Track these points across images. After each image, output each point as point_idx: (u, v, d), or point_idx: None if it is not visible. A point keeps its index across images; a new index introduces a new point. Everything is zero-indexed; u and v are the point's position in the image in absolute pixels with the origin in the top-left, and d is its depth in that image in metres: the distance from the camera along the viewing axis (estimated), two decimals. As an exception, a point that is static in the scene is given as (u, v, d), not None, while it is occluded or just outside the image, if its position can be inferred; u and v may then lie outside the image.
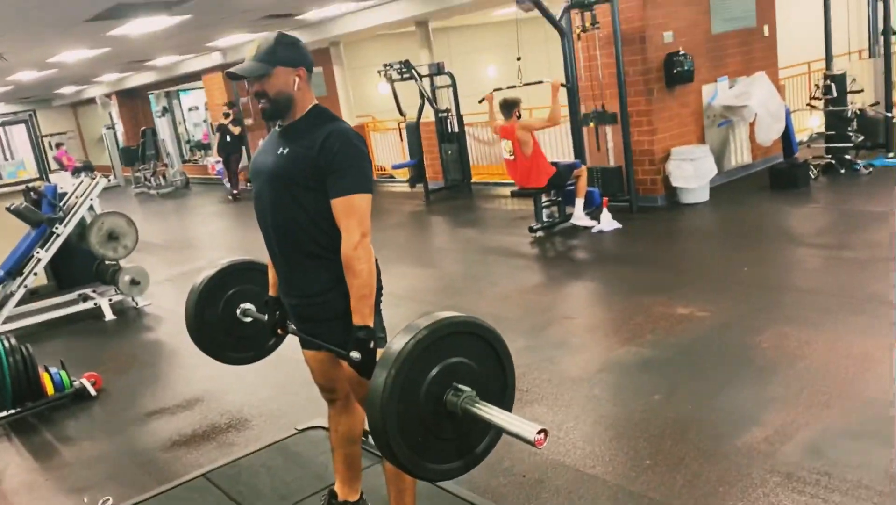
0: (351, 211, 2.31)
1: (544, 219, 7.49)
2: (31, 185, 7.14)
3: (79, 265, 7.17)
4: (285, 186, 2.41)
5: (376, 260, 2.52)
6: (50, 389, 4.70)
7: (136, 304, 6.85)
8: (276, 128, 2.51)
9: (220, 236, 10.60)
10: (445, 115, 10.22)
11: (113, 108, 19.68)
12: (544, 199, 7.53)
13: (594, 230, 7.09)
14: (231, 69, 2.39)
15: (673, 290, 5.13)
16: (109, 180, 19.02)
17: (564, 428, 3.50)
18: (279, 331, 2.76)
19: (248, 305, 2.97)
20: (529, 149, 6.94)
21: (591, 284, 5.85)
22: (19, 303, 6.41)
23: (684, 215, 7.28)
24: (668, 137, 7.60)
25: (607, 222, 7.12)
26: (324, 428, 3.71)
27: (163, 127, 16.90)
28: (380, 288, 2.56)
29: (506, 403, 2.22)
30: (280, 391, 4.43)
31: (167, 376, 5.14)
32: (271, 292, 2.70)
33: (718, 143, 8.07)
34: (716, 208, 7.32)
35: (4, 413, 4.54)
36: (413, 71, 9.79)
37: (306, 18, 10.25)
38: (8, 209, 6.49)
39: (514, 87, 7.46)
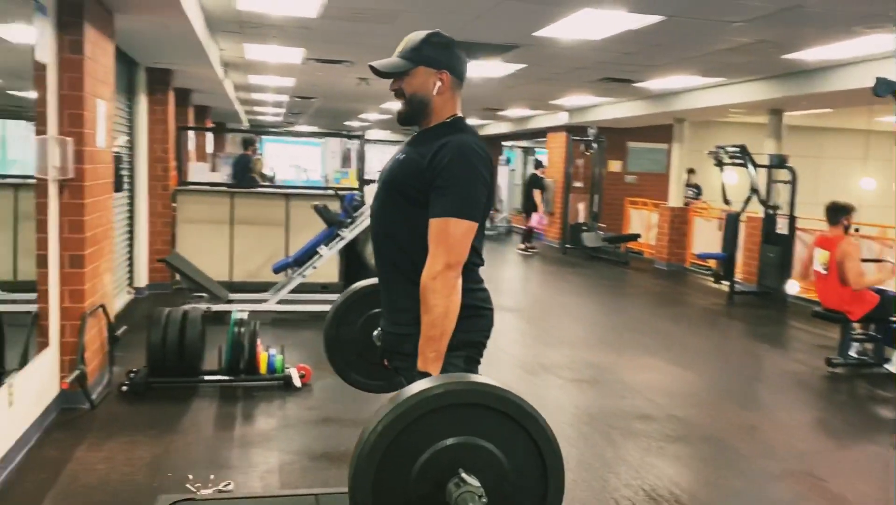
0: (442, 236, 1.96)
1: (852, 354, 6.10)
2: (340, 191, 7.80)
3: (369, 272, 7.66)
4: (391, 195, 2.13)
5: (489, 301, 2.13)
6: (263, 368, 4.94)
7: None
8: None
9: (501, 282, 10.63)
10: (774, 212, 9.01)
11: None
12: (857, 330, 6.14)
13: (914, 385, 5.56)
14: (374, 62, 2.18)
15: None
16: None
17: None
18: (384, 363, 2.43)
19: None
20: (850, 274, 5.69)
21: (876, 452, 4.50)
22: (305, 291, 7.02)
23: None
24: None
25: (936, 380, 5.55)
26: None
27: (502, 175, 17.71)
28: (488, 335, 2.14)
29: None
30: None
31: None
32: None
33: None
34: None
35: (218, 377, 4.88)
36: (747, 158, 8.82)
37: (647, 87, 9.87)
38: (313, 206, 7.16)
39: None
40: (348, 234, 6.96)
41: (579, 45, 6.94)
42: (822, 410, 5.19)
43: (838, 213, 5.86)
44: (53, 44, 4.05)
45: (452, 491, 1.55)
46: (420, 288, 1.96)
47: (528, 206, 14.44)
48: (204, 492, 3.32)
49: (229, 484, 3.41)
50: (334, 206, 7.34)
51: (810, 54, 6.87)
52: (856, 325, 6.03)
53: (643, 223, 13.45)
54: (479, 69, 8.80)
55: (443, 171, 1.98)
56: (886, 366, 5.82)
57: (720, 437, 4.40)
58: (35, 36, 3.82)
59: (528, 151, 20.54)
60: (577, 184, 14.18)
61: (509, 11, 5.68)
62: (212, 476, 3.47)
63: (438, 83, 2.11)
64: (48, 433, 3.97)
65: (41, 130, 4.02)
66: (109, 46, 4.85)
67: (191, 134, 11.65)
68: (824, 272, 5.89)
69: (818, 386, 5.65)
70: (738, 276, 9.86)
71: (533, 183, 14.54)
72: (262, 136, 20.61)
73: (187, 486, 3.37)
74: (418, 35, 2.13)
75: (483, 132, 19.45)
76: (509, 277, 11.24)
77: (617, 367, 5.87)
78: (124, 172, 5.74)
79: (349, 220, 7.02)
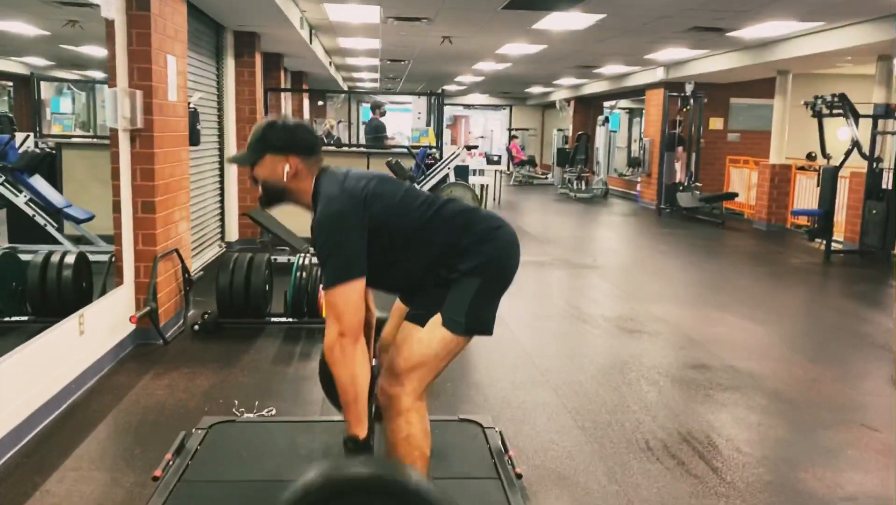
0: (330, 307, 2.07)
1: (947, 312, 5.69)
2: (414, 149, 7.91)
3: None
4: None
5: (493, 227, 2.32)
6: (324, 312, 5.15)
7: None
8: None
9: (586, 240, 10.45)
10: (878, 167, 8.42)
11: (569, 112, 20.92)
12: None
13: None
14: (230, 156, 2.35)
15: None
16: (546, 177, 20.47)
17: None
18: None
19: None
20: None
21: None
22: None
23: None
24: None
25: None
26: (476, 423, 3.37)
27: (600, 136, 17.32)
28: (489, 256, 2.29)
29: None
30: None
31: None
32: None
33: None
34: None
35: (283, 319, 5.14)
36: (847, 108, 8.25)
37: (741, 37, 9.36)
38: (386, 163, 7.33)
39: None
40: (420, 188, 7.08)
41: (655, -10, 6.69)
42: (891, 362, 4.88)
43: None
44: (121, 1, 4.32)
45: None
46: (326, 359, 2.07)
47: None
48: (247, 415, 3.54)
49: (272, 410, 3.63)
50: (409, 163, 7.47)
51: (912, -11, 6.32)
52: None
53: (744, 182, 12.86)
54: (561, 21, 8.64)
55: (318, 247, 2.10)
56: (984, 324, 5.38)
57: (775, 387, 4.24)
58: (101, -7, 4.10)
59: (633, 113, 19.94)
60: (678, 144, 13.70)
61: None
62: (256, 403, 3.70)
63: (287, 167, 2.17)
64: (121, 364, 4.33)
65: (112, 84, 4.33)
66: (181, 5, 5.12)
67: (285, 99, 12.07)
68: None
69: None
70: (840, 234, 9.30)
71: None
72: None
73: (233, 410, 3.60)
74: (260, 125, 2.23)
75: (581, 92, 19.06)
76: (598, 237, 11.07)
77: (684, 320, 5.73)
78: (201, 128, 6.06)
79: (420, 176, 7.13)
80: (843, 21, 8.20)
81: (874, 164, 8.51)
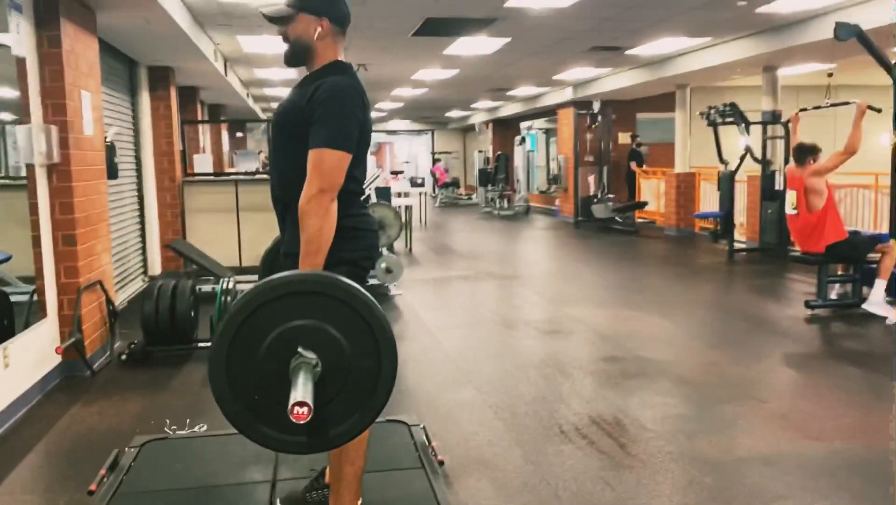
0: (317, 164, 2.20)
1: (832, 296, 6.21)
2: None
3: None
4: (279, 133, 2.39)
5: (371, 224, 2.38)
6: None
7: (388, 290, 7.35)
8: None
9: (509, 254, 10.83)
10: (771, 169, 9.06)
11: (488, 134, 21.48)
12: (839, 272, 6.26)
13: (889, 322, 5.65)
14: (262, 8, 2.43)
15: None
16: (470, 197, 20.85)
17: None
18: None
19: None
20: (821, 201, 5.81)
21: (846, 387, 4.61)
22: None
23: None
24: None
25: (911, 316, 5.63)
26: (402, 422, 3.58)
27: (518, 155, 17.87)
28: (366, 254, 2.39)
29: (379, 388, 1.91)
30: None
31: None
32: None
33: None
34: None
35: (209, 343, 5.22)
36: (737, 116, 8.89)
37: (638, 54, 9.97)
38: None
39: (818, 107, 6.39)
40: (341, 211, 7.27)
41: (553, 14, 7.13)
42: (787, 346, 5.28)
43: (805, 153, 5.98)
44: (31, 39, 4.41)
45: (292, 363, 1.83)
46: (299, 210, 2.21)
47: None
48: (178, 432, 3.65)
49: (203, 426, 3.74)
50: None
51: (782, 6, 6.94)
52: (838, 269, 6.13)
53: (653, 192, 13.52)
54: (470, 46, 9.03)
55: (318, 108, 2.21)
56: (864, 305, 5.90)
57: (678, 372, 4.59)
58: (11, 33, 4.18)
59: (549, 132, 20.54)
60: (588, 158, 14.31)
61: (471, -17, 5.90)
62: (188, 421, 3.80)
63: (319, 29, 2.33)
64: (49, 395, 4.35)
65: (26, 120, 4.39)
66: (93, 41, 5.21)
67: (203, 130, 12.09)
68: (795, 213, 6.01)
69: (792, 327, 5.77)
70: (742, 234, 9.94)
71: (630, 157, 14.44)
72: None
73: (165, 429, 3.70)
74: None
75: (498, 114, 19.64)
76: (520, 251, 11.44)
77: (598, 320, 6.07)
78: (118, 161, 6.12)
79: (341, 198, 7.33)
80: (728, 36, 8.86)
81: (766, 168, 9.17)
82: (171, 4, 5.73)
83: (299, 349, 1.83)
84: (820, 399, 4.09)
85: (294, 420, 1.70)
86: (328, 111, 2.21)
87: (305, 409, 1.70)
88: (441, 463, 3.13)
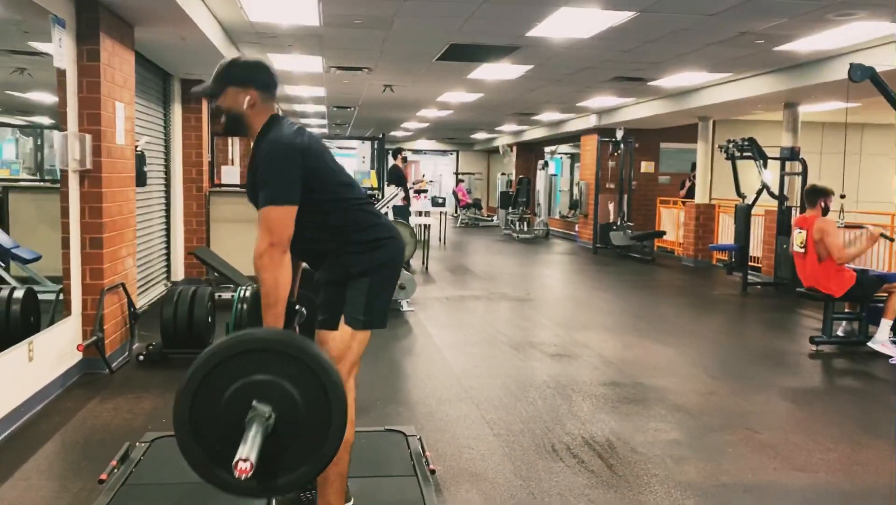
0: (264, 221, 2.37)
1: (838, 333, 6.28)
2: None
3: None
4: (251, 191, 2.54)
5: (384, 232, 2.62)
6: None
7: (401, 307, 7.52)
8: None
9: (524, 277, 10.95)
10: (786, 204, 9.13)
11: (512, 157, 21.69)
12: (846, 309, 6.32)
13: (892, 361, 5.70)
14: (195, 88, 2.64)
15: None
16: (492, 219, 21.04)
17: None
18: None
19: None
20: (825, 251, 5.89)
21: (839, 421, 4.67)
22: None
23: None
24: None
25: (915, 356, 5.69)
26: (400, 432, 3.73)
27: (540, 179, 18.03)
28: (379, 261, 2.61)
29: (329, 438, 2.09)
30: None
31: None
32: None
33: None
34: None
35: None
36: (755, 150, 8.98)
37: (661, 85, 10.11)
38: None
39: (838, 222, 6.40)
40: (359, 227, 7.46)
41: (573, 44, 7.30)
42: (787, 380, 5.35)
43: (816, 195, 6.06)
44: (72, 52, 4.68)
45: (248, 416, 2.00)
46: (253, 264, 2.36)
47: None
48: (187, 432, 3.82)
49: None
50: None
51: (799, 45, 7.05)
52: (844, 306, 6.19)
53: (673, 221, 13.59)
54: (493, 72, 9.23)
55: (260, 171, 2.41)
56: (869, 343, 5.95)
57: (675, 400, 4.69)
58: (54, 46, 4.45)
59: (574, 157, 20.70)
60: (610, 185, 14.44)
61: (493, 13, 6.09)
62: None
63: (248, 98, 2.48)
64: (69, 390, 4.57)
65: (63, 128, 4.65)
66: (129, 55, 5.48)
67: (232, 143, 12.40)
68: (802, 252, 6.09)
69: (795, 362, 5.84)
70: (760, 268, 9.99)
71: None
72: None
73: (175, 427, 3.88)
74: (225, 61, 2.55)
75: (522, 137, 19.83)
76: (535, 274, 11.56)
77: (604, 345, 6.18)
78: (148, 170, 6.38)
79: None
80: (749, 72, 8.97)
81: (782, 203, 9.23)
82: (205, 23, 5.99)
83: (254, 402, 2.00)
84: (812, 432, 4.17)
85: (238, 475, 1.85)
86: (265, 171, 2.39)
87: (248, 464, 1.85)
88: (433, 472, 3.27)
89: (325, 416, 2.05)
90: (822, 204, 6.03)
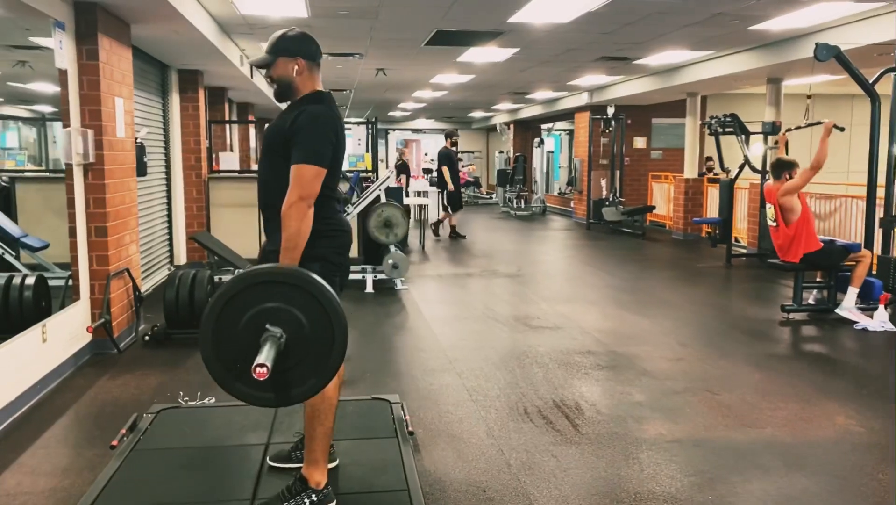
0: (296, 177, 2.67)
1: (810, 301, 6.58)
2: (348, 173, 8.62)
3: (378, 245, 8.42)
4: (267, 150, 2.87)
5: (342, 226, 2.85)
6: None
7: (395, 285, 7.85)
8: None
9: (517, 253, 11.26)
10: (767, 177, 9.39)
11: (509, 135, 21.90)
12: (818, 279, 6.63)
13: (857, 326, 6.02)
14: (251, 59, 2.93)
15: None
16: (490, 197, 21.28)
17: (571, 473, 3.29)
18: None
19: None
20: (795, 216, 6.19)
21: (795, 383, 4.99)
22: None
23: None
24: None
25: (879, 321, 6.00)
26: (385, 400, 4.07)
27: (537, 157, 18.29)
28: (338, 250, 2.87)
29: (334, 355, 2.39)
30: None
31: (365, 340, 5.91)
32: None
33: None
34: None
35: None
36: (737, 127, 9.23)
37: (647, 63, 10.34)
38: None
39: (799, 127, 6.80)
40: (353, 210, 7.78)
41: (554, 28, 7.56)
42: (754, 346, 5.65)
43: (781, 168, 6.34)
44: (72, 53, 4.97)
45: (263, 336, 2.33)
46: (281, 214, 2.70)
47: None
48: (190, 403, 4.17)
49: (212, 398, 4.26)
50: (343, 186, 8.16)
51: (772, 25, 7.29)
52: (816, 275, 6.51)
53: (664, 196, 13.86)
54: (481, 55, 9.48)
55: (298, 132, 2.70)
56: (836, 310, 6.26)
57: (644, 366, 5.02)
58: (55, 47, 4.74)
59: (571, 134, 20.85)
60: (603, 161, 14.70)
61: (473, 1, 6.35)
62: (199, 393, 4.33)
63: (296, 67, 2.81)
64: (80, 369, 4.92)
65: (66, 124, 4.96)
66: (126, 52, 5.77)
67: (230, 130, 12.70)
68: (775, 225, 6.38)
69: (765, 329, 6.16)
70: (743, 240, 10.28)
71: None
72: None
73: (179, 399, 4.23)
74: (276, 34, 2.86)
75: (518, 115, 20.04)
76: (529, 250, 11.87)
77: (584, 317, 6.51)
78: (148, 160, 6.69)
79: (355, 199, 7.83)
80: (729, 50, 9.21)
81: (764, 176, 9.49)
82: (197, 18, 6.27)
83: (267, 325, 2.33)
84: (766, 393, 4.49)
85: (256, 378, 2.19)
86: (306, 134, 2.69)
87: (265, 369, 2.19)
88: (412, 434, 3.62)
89: (328, 334, 2.37)
90: (787, 176, 6.29)
